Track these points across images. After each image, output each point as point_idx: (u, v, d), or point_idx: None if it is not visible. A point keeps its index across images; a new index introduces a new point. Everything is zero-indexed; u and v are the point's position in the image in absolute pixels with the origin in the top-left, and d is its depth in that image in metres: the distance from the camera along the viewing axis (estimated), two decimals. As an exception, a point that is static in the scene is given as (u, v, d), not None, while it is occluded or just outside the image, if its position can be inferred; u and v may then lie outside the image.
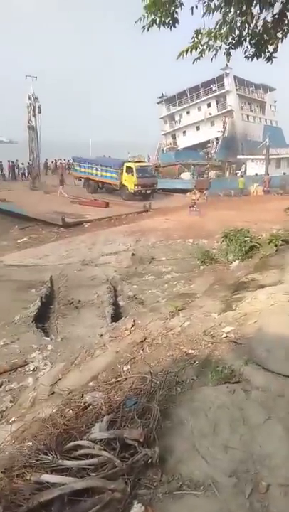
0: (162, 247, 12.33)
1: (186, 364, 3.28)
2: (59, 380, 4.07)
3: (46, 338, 5.76)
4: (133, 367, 3.60)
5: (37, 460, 2.29)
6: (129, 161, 25.06)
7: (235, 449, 2.10)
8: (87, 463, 2.22)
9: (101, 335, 5.18)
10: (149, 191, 24.70)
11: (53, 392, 3.85)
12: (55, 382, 4.04)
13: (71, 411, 3.00)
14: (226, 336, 3.67)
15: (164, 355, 3.62)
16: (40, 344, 5.43)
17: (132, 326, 4.83)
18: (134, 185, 24.17)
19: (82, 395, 3.25)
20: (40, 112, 26.32)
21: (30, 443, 2.61)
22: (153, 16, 5.04)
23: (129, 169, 24.39)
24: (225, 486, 1.90)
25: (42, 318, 6.62)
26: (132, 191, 24.26)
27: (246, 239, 8.55)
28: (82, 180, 28.89)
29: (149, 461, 2.12)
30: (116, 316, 6.52)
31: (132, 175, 24.23)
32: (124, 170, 24.57)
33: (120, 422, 2.57)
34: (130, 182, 24.41)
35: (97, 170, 26.91)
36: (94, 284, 8.50)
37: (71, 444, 2.40)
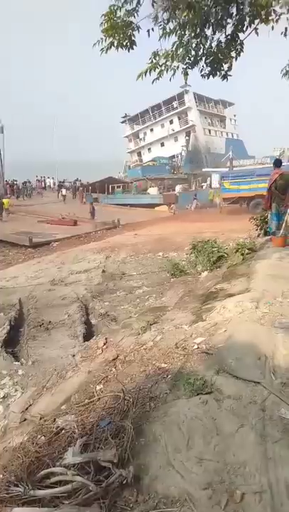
0: (133, 262, 12.35)
1: (159, 378, 3.26)
2: (30, 405, 3.94)
3: (16, 363, 5.57)
4: (106, 386, 3.54)
5: (7, 493, 2.19)
6: None
7: (210, 461, 2.09)
8: (61, 490, 2.15)
9: (73, 355, 5.08)
10: None
11: (25, 419, 3.71)
12: (27, 409, 3.90)
13: (43, 437, 2.90)
14: (197, 347, 3.69)
15: (137, 371, 3.59)
16: (10, 369, 5.24)
17: (104, 344, 4.77)
18: None
19: (55, 419, 3.16)
20: (2, 132, 26.12)
21: (1, 475, 2.50)
22: (111, 39, 5.17)
23: None
24: (201, 499, 1.89)
25: (12, 342, 6.42)
26: None
27: (214, 249, 8.71)
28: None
29: (124, 482, 2.07)
30: (88, 335, 6.42)
31: None
32: None
33: (94, 444, 2.51)
34: None
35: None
36: (64, 303, 8.36)
37: (43, 472, 2.31)
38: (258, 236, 10.23)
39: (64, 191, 31.22)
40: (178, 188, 35.36)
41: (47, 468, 2.38)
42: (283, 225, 8.17)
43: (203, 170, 40.01)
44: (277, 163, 8.97)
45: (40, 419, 3.39)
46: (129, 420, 2.59)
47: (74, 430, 2.80)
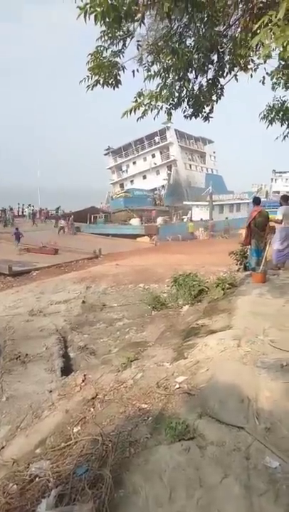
0: (113, 293, 12.21)
1: (140, 421, 3.14)
2: (3, 448, 3.71)
3: (-11, 399, 5.31)
4: (84, 428, 3.38)
5: None
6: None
7: (193, 516, 1.99)
8: None
9: (50, 391, 4.88)
10: None
11: (-4, 462, 3.48)
12: (-1, 451, 3.67)
13: (15, 486, 2.72)
14: (179, 387, 3.60)
15: (117, 412, 3.46)
16: (-18, 406, 4.97)
17: (83, 381, 4.61)
18: None
19: (28, 465, 2.98)
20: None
21: None
22: (97, 77, 5.35)
23: None
24: None
25: (-15, 377, 6.12)
26: None
27: (194, 283, 8.73)
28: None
29: None
30: (66, 369, 6.21)
31: None
32: None
33: (70, 494, 2.36)
34: None
35: None
36: (43, 335, 8.11)
37: (14, 528, 2.15)
38: (238, 271, 10.36)
39: (63, 222, 31.08)
40: (159, 219, 35.88)
41: (18, 523, 2.21)
42: (263, 261, 8.32)
43: (184, 203, 40.95)
44: (257, 200, 9.26)
45: (13, 464, 3.19)
46: (107, 468, 2.46)
47: (48, 478, 2.63)
